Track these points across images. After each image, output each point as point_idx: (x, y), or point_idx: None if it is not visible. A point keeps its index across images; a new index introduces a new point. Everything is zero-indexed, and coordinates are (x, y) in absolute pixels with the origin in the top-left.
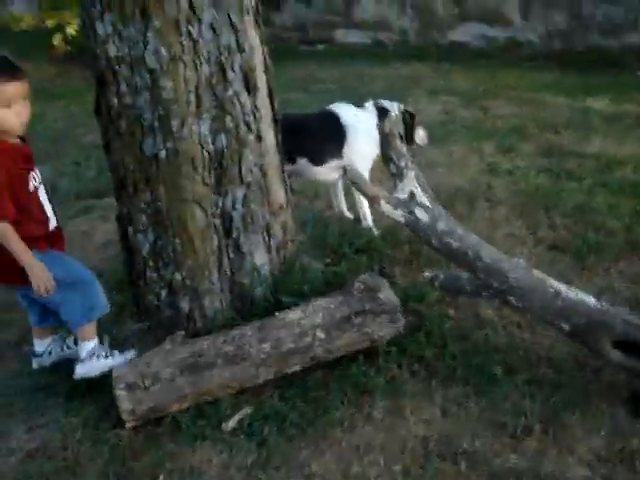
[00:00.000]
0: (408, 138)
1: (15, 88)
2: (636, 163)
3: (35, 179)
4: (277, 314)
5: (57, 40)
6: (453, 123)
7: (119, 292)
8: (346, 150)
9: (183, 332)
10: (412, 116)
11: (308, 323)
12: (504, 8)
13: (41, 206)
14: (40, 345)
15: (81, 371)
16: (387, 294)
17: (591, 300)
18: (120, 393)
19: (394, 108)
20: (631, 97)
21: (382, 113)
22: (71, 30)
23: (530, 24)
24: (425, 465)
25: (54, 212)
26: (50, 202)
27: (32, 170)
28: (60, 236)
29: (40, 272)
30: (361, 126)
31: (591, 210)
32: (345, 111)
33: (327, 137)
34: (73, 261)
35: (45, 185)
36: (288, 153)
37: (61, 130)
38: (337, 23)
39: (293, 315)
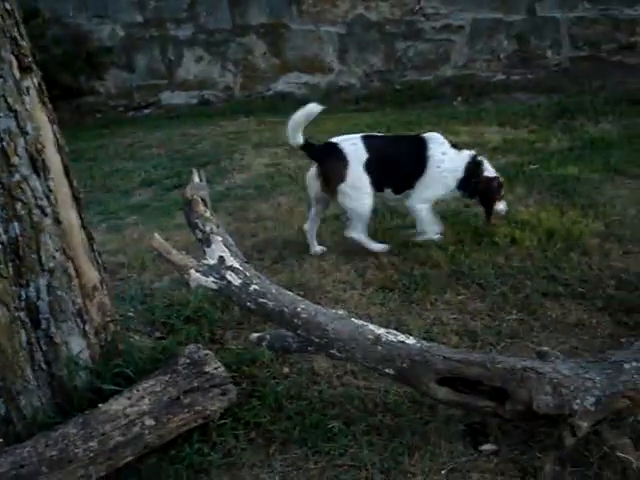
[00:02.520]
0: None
1: None
2: None
3: None
4: (100, 406)
5: None
6: (279, 175)
7: None
8: None
9: (1, 440)
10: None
11: (134, 411)
12: (322, 55)
13: None
14: None
15: None
16: (214, 366)
17: (411, 341)
18: None
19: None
20: (448, 127)
21: None
22: None
23: (349, 68)
24: None
25: None
26: None
27: None
28: None
29: None
30: None
31: (416, 245)
32: None
33: None
34: None
35: None
36: None
37: None
38: (161, 86)
39: (117, 405)
